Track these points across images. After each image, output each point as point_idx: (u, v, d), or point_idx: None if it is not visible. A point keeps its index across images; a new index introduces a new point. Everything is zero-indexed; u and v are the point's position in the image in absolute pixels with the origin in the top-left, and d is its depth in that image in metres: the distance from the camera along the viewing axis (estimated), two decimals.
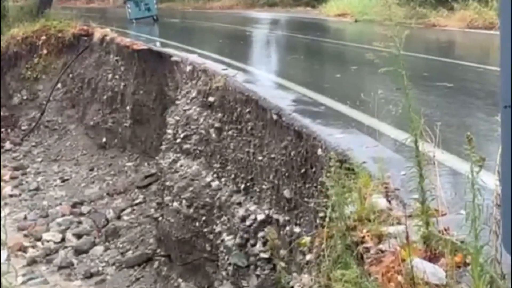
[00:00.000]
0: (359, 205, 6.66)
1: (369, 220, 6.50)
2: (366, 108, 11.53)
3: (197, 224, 15.79)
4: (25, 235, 21.38)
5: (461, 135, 5.19)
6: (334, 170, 6.34)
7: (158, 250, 17.83)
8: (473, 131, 7.80)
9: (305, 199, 11.25)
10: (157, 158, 19.60)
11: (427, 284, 5.25)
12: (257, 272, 12.79)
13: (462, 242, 5.08)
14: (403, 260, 5.59)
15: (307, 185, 11.38)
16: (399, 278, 5.41)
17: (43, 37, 29.34)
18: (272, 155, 13.09)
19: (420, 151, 5.64)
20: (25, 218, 22.83)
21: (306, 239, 8.68)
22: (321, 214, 9.80)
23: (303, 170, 11.68)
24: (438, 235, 5.76)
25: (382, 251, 5.90)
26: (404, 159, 8.06)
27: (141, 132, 23.63)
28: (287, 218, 12.14)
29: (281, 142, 12.66)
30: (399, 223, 6.46)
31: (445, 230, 5.82)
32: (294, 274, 10.61)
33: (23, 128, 29.39)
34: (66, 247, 20.09)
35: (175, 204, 16.76)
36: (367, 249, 6.00)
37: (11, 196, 24.99)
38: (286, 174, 12.37)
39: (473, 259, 4.38)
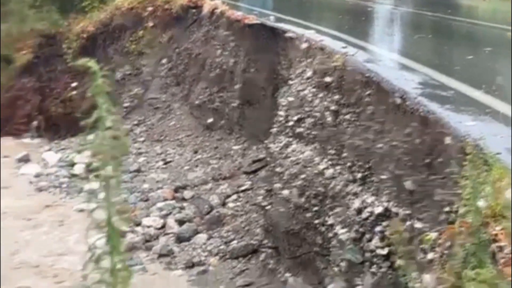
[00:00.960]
0: (493, 200, 6.50)
1: (504, 217, 6.36)
2: (502, 93, 11.36)
3: (308, 214, 15.73)
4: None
5: None
6: (470, 160, 6.24)
7: (265, 241, 17.81)
8: None
9: (430, 192, 11.15)
10: (266, 142, 19.59)
11: None
12: (373, 270, 12.69)
13: None
14: None
15: (432, 177, 11.27)
16: None
17: (149, 8, 29.60)
18: (394, 143, 12.98)
19: None
20: (125, 201, 23.11)
21: (431, 235, 8.61)
22: (447, 209, 9.69)
23: (428, 160, 11.57)
24: None
25: None
26: None
27: (250, 114, 23.54)
28: (408, 212, 12.02)
29: (404, 128, 12.55)
30: None
31: None
32: (414, 274, 10.53)
33: (125, 105, 29.67)
34: (167, 233, 20.29)
35: (285, 192, 16.74)
36: (500, 248, 5.88)
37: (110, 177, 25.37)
38: (409, 164, 12.25)
39: None
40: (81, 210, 23.09)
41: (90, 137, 2.77)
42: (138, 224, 21.08)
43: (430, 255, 10.09)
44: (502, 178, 7.19)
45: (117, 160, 2.40)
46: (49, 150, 28.22)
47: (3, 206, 23.14)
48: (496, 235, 6.14)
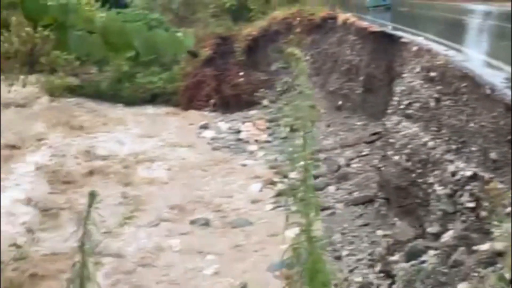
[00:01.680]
0: None
1: None
2: None
3: (413, 175, 15.55)
4: (275, 173, 21.77)
5: None
6: None
7: (379, 194, 17.70)
8: None
9: (509, 161, 10.90)
10: (383, 120, 19.47)
11: None
12: (463, 218, 12.42)
13: None
14: None
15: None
16: None
17: (298, 19, 29.73)
18: (482, 123, 12.70)
19: None
20: (275, 159, 23.21)
21: (508, 193, 8.35)
22: None
23: (509, 137, 11.29)
24: None
25: None
26: None
27: (370, 99, 23.54)
28: (491, 175, 11.72)
29: (491, 112, 12.28)
30: None
31: None
32: (495, 222, 10.25)
33: (277, 89, 29.90)
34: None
35: (396, 157, 16.60)
36: None
37: (266, 142, 25.59)
38: (494, 140, 11.96)
39: None
40: (244, 165, 23.31)
41: (286, 108, 2.86)
42: (285, 177, 21.13)
43: (508, 209, 9.84)
44: None
45: (312, 122, 2.43)
46: (222, 121, 28.58)
47: (190, 159, 23.60)
48: None
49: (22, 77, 32.87)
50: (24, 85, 32.83)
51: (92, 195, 2.41)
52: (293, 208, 2.51)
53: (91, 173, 21.93)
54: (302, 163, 2.58)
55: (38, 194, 20.35)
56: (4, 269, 13.54)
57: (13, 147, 25.21)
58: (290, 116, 2.53)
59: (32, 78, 33.20)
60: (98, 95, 32.02)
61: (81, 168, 22.62)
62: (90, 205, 2.41)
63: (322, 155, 22.13)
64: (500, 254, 9.91)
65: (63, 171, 22.31)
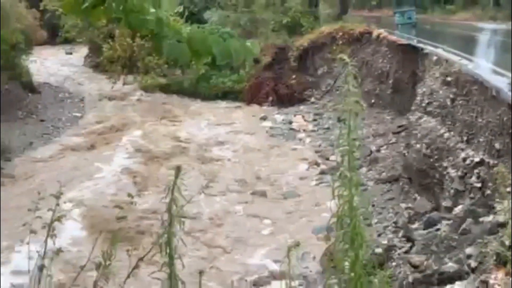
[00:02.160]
0: None
1: None
2: None
3: (431, 160, 15.47)
4: (319, 156, 21.80)
5: None
6: None
7: (403, 174, 17.61)
8: None
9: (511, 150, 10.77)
10: (407, 115, 19.44)
11: None
12: (471, 195, 12.33)
13: None
14: None
15: None
16: None
17: (340, 33, 29.49)
18: (489, 119, 12.56)
19: None
20: (319, 145, 23.19)
21: (509, 175, 8.22)
22: None
23: (510, 131, 11.14)
24: None
25: None
26: None
27: (397, 98, 23.45)
28: (495, 161, 11.58)
29: (496, 111, 12.13)
30: None
31: None
32: (498, 199, 10.10)
33: (322, 89, 29.92)
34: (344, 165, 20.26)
35: (417, 145, 16.51)
36: None
37: (312, 131, 25.57)
38: (498, 133, 11.82)
39: None
40: (294, 149, 23.34)
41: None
42: (327, 159, 21.18)
43: (508, 189, 9.70)
44: None
45: (357, 115, 2.44)
46: (277, 113, 28.57)
47: (252, 143, 23.69)
48: None
49: (122, 76, 33.49)
50: (124, 83, 33.43)
51: (178, 169, 2.47)
52: (337, 183, 2.51)
53: (175, 151, 22.21)
54: (347, 147, 2.58)
55: (134, 166, 20.74)
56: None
57: (116, 130, 25.67)
58: (339, 110, 2.55)
59: (130, 77, 33.78)
60: (181, 92, 32.43)
61: (167, 147, 22.92)
62: (176, 177, 2.46)
63: (357, 143, 22.06)
64: (501, 225, 9.77)
65: (153, 149, 22.66)
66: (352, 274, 2.12)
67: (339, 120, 2.67)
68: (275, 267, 13.30)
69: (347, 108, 2.52)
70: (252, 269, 13.39)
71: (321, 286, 10.88)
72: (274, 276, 12.94)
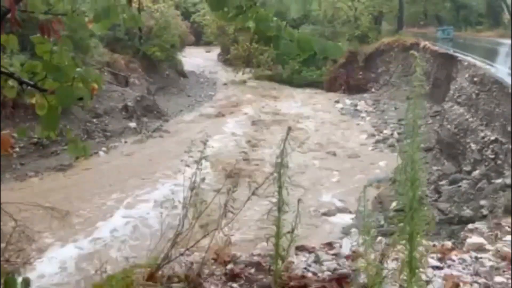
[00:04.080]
0: None
1: None
2: None
3: (457, 136, 14.78)
4: (375, 130, 21.30)
5: None
6: None
7: (436, 146, 16.89)
8: None
9: None
10: (442, 104, 18.56)
11: None
12: (486, 163, 11.74)
13: None
14: None
15: None
16: None
17: (396, 43, 28.43)
18: (504, 109, 11.84)
19: None
20: (376, 122, 22.61)
21: None
22: None
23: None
24: None
25: None
26: None
27: (435, 91, 22.11)
28: (507, 140, 10.94)
29: (510, 103, 11.41)
30: None
31: None
32: (507, 167, 9.59)
33: (380, 83, 29.03)
34: (392, 137, 19.67)
35: (448, 126, 15.78)
36: None
37: (371, 112, 24.90)
38: (510, 120, 11.12)
39: None
40: (358, 124, 22.83)
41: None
42: (381, 132, 20.69)
43: None
44: None
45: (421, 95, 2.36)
46: (347, 99, 27.93)
47: (328, 119, 23.38)
48: None
49: (242, 69, 33.76)
50: (243, 73, 33.71)
51: (289, 128, 2.48)
52: (399, 149, 2.43)
53: (275, 122, 22.25)
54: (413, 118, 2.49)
55: (246, 131, 21.00)
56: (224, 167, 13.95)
57: (237, 104, 26.04)
58: (408, 90, 2.46)
59: (247, 69, 33.99)
60: (281, 81, 32.43)
61: (270, 119, 23.02)
62: (287, 134, 2.48)
63: (403, 122, 21.36)
64: (508, 186, 9.30)
65: (260, 119, 22.83)
66: (410, 208, 2.06)
67: (407, 98, 2.58)
68: (340, 204, 13.24)
69: (414, 90, 2.43)
70: (323, 204, 13.37)
71: (371, 219, 10.71)
72: (338, 209, 12.90)
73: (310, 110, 25.32)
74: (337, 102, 27.43)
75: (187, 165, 3.14)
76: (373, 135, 20.40)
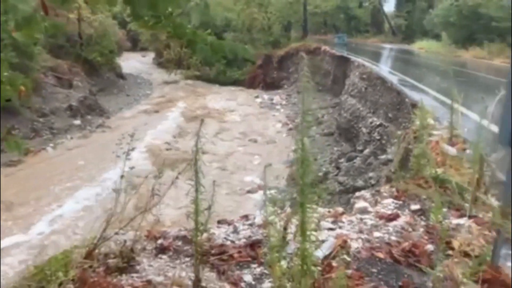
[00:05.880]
0: (424, 121, 6.02)
1: (428, 128, 5.92)
2: (429, 83, 10.62)
3: (352, 123, 15.37)
4: (288, 119, 21.57)
5: None
6: (418, 107, 5.79)
7: (336, 131, 17.52)
8: None
9: (398, 119, 10.70)
10: (340, 96, 19.22)
11: (448, 155, 4.76)
12: (374, 143, 12.31)
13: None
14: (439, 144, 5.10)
15: (399, 113, 10.75)
16: (437, 150, 4.94)
17: (302, 48, 28.89)
18: (385, 100, 12.43)
19: (453, 104, 5.05)
20: (289, 113, 22.89)
21: (398, 133, 8.24)
22: (407, 125, 9.14)
23: (398, 107, 11.04)
24: (457, 135, 5.19)
25: (431, 140, 5.39)
26: (441, 106, 7.35)
27: (335, 86, 23.03)
28: (389, 124, 11.55)
29: (390, 95, 11.98)
30: (438, 131, 5.88)
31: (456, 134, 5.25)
32: (389, 146, 10.12)
33: (291, 81, 29.38)
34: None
35: (344, 114, 16.38)
36: (430, 140, 5.47)
37: (285, 104, 25.28)
38: (390, 108, 11.72)
39: (474, 148, 3.85)
40: (274, 115, 23.13)
41: (295, 89, 2.71)
42: (293, 121, 21.02)
43: (396, 139, 9.71)
44: (427, 114, 6.69)
45: (309, 90, 2.34)
46: (265, 94, 28.16)
47: (249, 111, 23.44)
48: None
49: (175, 70, 33.02)
50: (175, 74, 32.98)
51: (202, 121, 2.45)
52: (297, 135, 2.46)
53: (204, 114, 22.01)
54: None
55: (179, 123, 20.63)
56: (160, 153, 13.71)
57: (170, 101, 25.45)
58: (299, 89, 2.46)
59: (178, 71, 33.30)
60: (209, 80, 31.99)
61: (200, 112, 22.75)
62: (200, 125, 2.45)
63: (311, 112, 21.83)
64: (390, 160, 9.82)
65: (191, 113, 22.50)
66: (303, 184, 2.11)
67: (297, 92, 2.60)
68: (260, 182, 13.41)
69: (303, 85, 2.46)
70: (247, 183, 13.48)
71: (286, 193, 10.96)
72: (259, 187, 13.06)
73: (235, 104, 25.30)
74: (256, 97, 27.60)
75: (118, 156, 3.04)
76: (287, 124, 20.78)
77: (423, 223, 3.39)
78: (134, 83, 31.76)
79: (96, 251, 2.67)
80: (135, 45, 43.45)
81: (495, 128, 2.94)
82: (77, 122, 19.39)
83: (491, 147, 3.70)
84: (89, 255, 2.61)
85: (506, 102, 2.56)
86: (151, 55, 42.36)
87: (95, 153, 15.77)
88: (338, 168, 13.21)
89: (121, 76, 31.39)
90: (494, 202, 3.55)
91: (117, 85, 29.15)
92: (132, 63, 38.51)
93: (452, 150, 4.79)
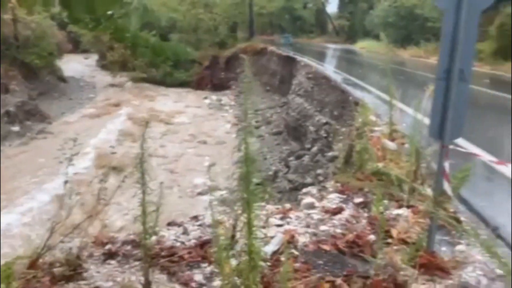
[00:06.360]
0: (366, 118, 6.30)
1: (369, 125, 6.20)
2: (371, 81, 11.06)
3: (300, 121, 15.66)
4: (237, 120, 21.69)
5: None
6: (360, 105, 6.03)
7: (285, 129, 17.79)
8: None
9: (344, 116, 11.03)
10: (287, 96, 19.53)
11: (388, 149, 5.01)
12: (321, 141, 12.62)
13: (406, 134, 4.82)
14: (380, 140, 5.35)
15: (344, 110, 11.10)
16: (378, 146, 5.18)
17: (248, 48, 29.17)
18: (330, 99, 12.79)
19: (391, 101, 5.32)
20: (237, 114, 23.03)
21: (343, 130, 8.51)
22: (352, 122, 9.46)
23: (342, 105, 11.40)
24: (396, 130, 5.47)
25: (373, 136, 5.64)
26: (382, 103, 7.69)
27: (282, 86, 23.29)
28: (334, 122, 11.89)
29: (335, 93, 12.36)
30: (380, 127, 6.16)
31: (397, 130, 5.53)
32: (335, 142, 10.41)
33: (239, 81, 29.53)
34: (251, 125, 20.22)
35: (292, 113, 16.66)
36: (372, 136, 5.72)
37: (233, 105, 25.37)
38: (336, 106, 12.09)
39: (411, 142, 4.10)
40: (223, 116, 23.13)
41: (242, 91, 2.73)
42: (241, 121, 21.13)
43: (341, 136, 10.03)
44: (368, 111, 6.98)
45: (250, 90, 2.39)
46: (213, 95, 28.12)
47: (198, 112, 23.25)
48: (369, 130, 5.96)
49: (119, 72, 32.05)
50: (120, 76, 32.01)
51: (147, 123, 2.44)
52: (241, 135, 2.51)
53: (152, 117, 21.51)
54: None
55: (126, 127, 20.08)
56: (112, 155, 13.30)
57: (116, 105, 24.69)
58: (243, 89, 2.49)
59: (124, 73, 32.36)
60: (155, 82, 31.09)
61: (147, 115, 22.25)
62: (146, 127, 2.44)
63: (260, 112, 22.07)
64: (335, 157, 10.14)
65: (138, 117, 21.95)
66: (245, 192, 2.15)
67: (239, 92, 2.64)
68: (211, 183, 13.36)
69: (245, 86, 2.52)
70: (198, 185, 13.40)
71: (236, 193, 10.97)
72: (210, 188, 13.03)
73: (183, 106, 25.01)
74: (205, 98, 27.41)
75: (61, 162, 2.96)
76: (236, 124, 20.79)
77: (366, 215, 3.56)
78: (76, 86, 30.47)
79: (41, 260, 2.58)
80: (77, 47, 41.48)
81: (428, 122, 3.15)
82: (16, 128, 18.35)
83: (426, 141, 3.95)
84: (33, 265, 2.52)
85: (435, 97, 2.77)
86: (94, 57, 40.83)
87: (35, 160, 15.02)
88: (287, 166, 13.44)
89: (62, 79, 29.99)
90: (429, 192, 3.81)
91: (58, 88, 27.85)
92: (74, 65, 36.90)
93: (392, 145, 5.05)
